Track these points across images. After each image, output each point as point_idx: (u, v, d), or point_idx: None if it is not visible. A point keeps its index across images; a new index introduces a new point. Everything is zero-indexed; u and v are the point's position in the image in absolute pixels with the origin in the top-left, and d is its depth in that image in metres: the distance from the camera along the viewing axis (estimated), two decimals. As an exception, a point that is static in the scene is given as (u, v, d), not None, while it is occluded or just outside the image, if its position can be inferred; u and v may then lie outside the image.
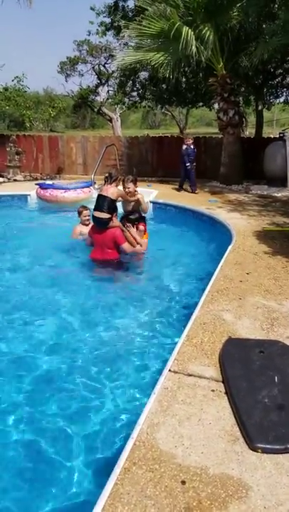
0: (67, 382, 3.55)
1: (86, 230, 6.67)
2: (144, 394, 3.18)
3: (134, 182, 6.40)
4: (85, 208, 7.11)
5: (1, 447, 2.86)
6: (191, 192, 10.90)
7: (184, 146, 10.87)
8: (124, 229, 5.96)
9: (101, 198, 5.81)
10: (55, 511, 2.45)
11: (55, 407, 3.25)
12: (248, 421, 2.45)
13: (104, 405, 3.26)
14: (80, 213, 7.07)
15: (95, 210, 5.86)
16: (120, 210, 6.36)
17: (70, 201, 9.77)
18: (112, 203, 5.79)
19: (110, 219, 5.79)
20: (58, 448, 2.86)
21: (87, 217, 6.87)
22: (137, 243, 6.11)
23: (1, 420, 3.10)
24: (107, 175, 6.03)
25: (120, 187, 6.12)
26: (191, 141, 10.94)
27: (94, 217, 5.88)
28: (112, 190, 5.83)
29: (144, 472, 2.16)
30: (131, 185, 6.34)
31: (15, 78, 16.58)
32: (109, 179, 5.90)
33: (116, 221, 5.93)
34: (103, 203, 5.75)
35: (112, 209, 5.80)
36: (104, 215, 5.76)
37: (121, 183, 6.14)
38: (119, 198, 6.06)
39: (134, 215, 6.22)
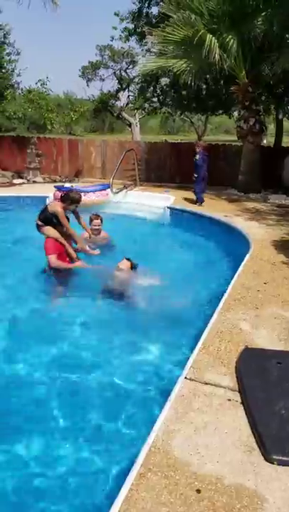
0: (82, 384, 3.58)
1: (92, 239, 6.61)
2: (159, 400, 3.18)
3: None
4: (97, 216, 6.88)
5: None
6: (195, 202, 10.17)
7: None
8: (62, 242, 5.68)
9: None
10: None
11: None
12: (265, 432, 2.44)
13: (118, 409, 3.28)
14: (91, 220, 6.78)
15: None
16: None
17: (89, 204, 9.82)
18: (46, 214, 5.68)
19: (41, 226, 5.70)
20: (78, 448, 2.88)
21: (97, 227, 6.73)
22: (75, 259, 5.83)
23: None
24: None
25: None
26: (198, 149, 10.30)
27: None
28: (53, 204, 5.83)
29: (159, 478, 2.16)
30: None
31: (38, 81, 16.79)
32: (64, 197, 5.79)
33: (50, 231, 5.66)
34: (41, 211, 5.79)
35: (43, 218, 5.68)
36: (38, 222, 5.73)
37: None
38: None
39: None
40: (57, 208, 5.64)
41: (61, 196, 5.96)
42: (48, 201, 9.50)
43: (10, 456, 2.85)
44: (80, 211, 6.14)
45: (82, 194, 9.84)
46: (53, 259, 5.58)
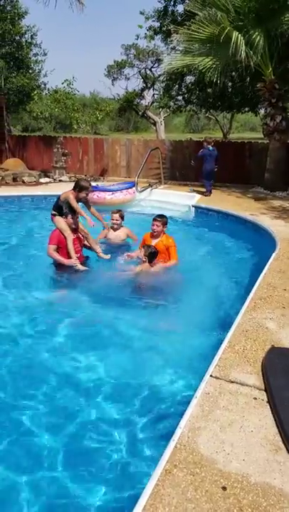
0: (107, 382, 3.62)
1: (110, 234, 6.68)
2: (185, 398, 3.19)
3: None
4: (117, 211, 6.75)
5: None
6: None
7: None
8: (66, 236, 5.78)
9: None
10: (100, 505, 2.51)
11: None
12: (291, 431, 2.42)
13: (143, 405, 3.31)
14: (111, 216, 6.76)
15: None
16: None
17: (118, 203, 9.87)
18: (59, 204, 5.88)
19: (53, 216, 5.92)
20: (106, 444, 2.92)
21: (115, 221, 6.62)
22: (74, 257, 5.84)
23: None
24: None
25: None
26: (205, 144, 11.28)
27: None
28: (64, 192, 5.95)
29: (184, 475, 2.18)
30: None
31: (65, 81, 16.95)
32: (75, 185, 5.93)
33: (59, 223, 5.84)
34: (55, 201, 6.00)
35: (56, 207, 5.90)
36: (52, 211, 5.96)
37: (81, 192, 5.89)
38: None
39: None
40: (68, 194, 5.84)
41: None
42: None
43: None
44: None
45: (109, 193, 9.99)
46: (50, 249, 5.79)
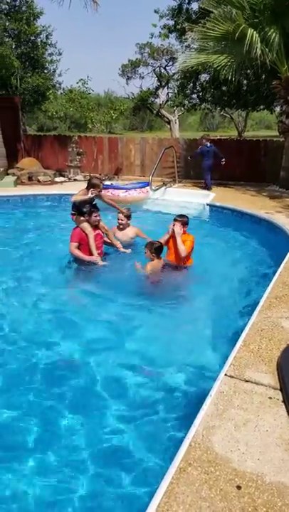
0: (123, 381, 3.64)
1: (118, 233, 6.73)
2: (199, 397, 3.18)
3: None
4: (124, 211, 6.75)
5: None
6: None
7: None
8: (87, 233, 5.94)
9: None
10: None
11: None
12: (307, 431, 2.40)
13: (158, 404, 3.31)
14: (117, 216, 6.81)
15: None
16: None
17: (130, 201, 9.89)
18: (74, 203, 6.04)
19: (73, 215, 6.07)
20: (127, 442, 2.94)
21: (120, 221, 6.68)
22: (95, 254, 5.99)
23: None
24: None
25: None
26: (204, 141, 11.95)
27: None
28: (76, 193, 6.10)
29: (199, 473, 2.18)
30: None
31: (79, 81, 17.04)
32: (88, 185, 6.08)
33: (79, 221, 6.00)
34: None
35: (74, 208, 6.05)
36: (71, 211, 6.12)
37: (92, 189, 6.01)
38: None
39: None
40: (80, 191, 6.03)
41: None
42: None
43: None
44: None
45: (123, 191, 10.04)
46: (72, 246, 5.97)
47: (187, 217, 6.00)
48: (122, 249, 6.38)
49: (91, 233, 5.95)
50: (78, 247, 5.97)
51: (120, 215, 6.70)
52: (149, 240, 6.05)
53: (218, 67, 10.84)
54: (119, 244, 6.42)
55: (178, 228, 5.73)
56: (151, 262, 5.63)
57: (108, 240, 6.39)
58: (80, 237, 5.96)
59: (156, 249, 5.64)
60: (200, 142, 12.28)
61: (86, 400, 3.43)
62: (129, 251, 6.38)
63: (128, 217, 6.76)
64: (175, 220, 5.89)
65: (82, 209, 5.95)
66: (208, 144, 11.73)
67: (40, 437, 3.02)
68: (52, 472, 2.74)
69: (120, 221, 6.71)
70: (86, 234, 5.94)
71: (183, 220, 5.89)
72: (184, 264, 5.89)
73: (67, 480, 2.69)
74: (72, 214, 6.08)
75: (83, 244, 5.98)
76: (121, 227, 6.73)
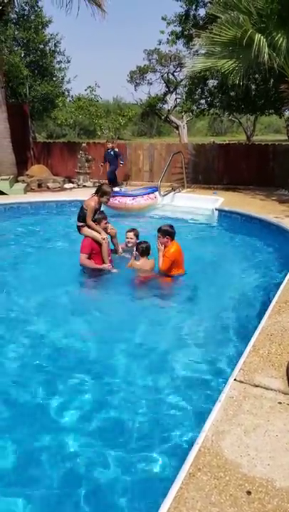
0: (132, 383, 3.65)
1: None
2: (208, 402, 3.18)
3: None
4: (131, 230, 6.57)
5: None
6: None
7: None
8: (100, 241, 5.92)
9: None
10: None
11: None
12: (317, 437, 2.39)
13: (165, 409, 3.31)
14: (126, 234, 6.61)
15: None
16: None
17: (138, 208, 9.92)
18: (83, 212, 5.99)
19: (81, 227, 6.04)
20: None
21: (129, 239, 6.47)
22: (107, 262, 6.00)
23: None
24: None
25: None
26: (110, 145, 12.97)
27: None
28: (87, 200, 6.05)
29: (208, 479, 2.17)
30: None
31: (88, 88, 17.18)
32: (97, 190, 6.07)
33: (88, 232, 5.98)
34: (78, 212, 6.11)
35: (82, 218, 6.01)
36: (77, 223, 6.08)
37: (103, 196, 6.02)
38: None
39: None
40: (90, 202, 6.00)
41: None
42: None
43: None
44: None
45: (130, 198, 10.06)
46: (82, 257, 5.95)
47: (166, 227, 5.79)
48: (122, 254, 6.44)
49: (104, 241, 5.95)
50: (89, 257, 5.95)
51: (130, 233, 6.52)
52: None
53: (226, 72, 10.86)
54: (120, 249, 6.46)
55: (157, 243, 5.79)
56: (142, 259, 5.81)
57: (112, 242, 6.40)
58: (92, 247, 5.93)
59: (143, 251, 5.81)
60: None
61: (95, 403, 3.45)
62: (128, 256, 6.30)
63: (137, 235, 6.54)
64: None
65: (95, 215, 5.99)
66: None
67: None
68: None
69: (130, 239, 6.49)
70: (98, 242, 5.93)
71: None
72: (172, 274, 5.78)
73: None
74: (81, 226, 6.01)
75: (95, 254, 5.96)
76: (130, 245, 6.50)
